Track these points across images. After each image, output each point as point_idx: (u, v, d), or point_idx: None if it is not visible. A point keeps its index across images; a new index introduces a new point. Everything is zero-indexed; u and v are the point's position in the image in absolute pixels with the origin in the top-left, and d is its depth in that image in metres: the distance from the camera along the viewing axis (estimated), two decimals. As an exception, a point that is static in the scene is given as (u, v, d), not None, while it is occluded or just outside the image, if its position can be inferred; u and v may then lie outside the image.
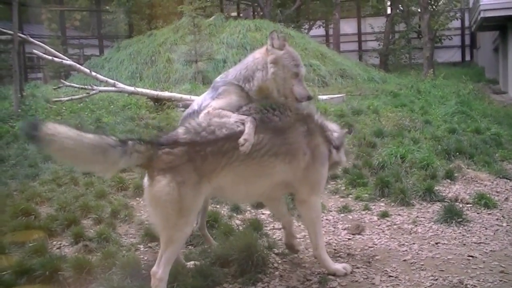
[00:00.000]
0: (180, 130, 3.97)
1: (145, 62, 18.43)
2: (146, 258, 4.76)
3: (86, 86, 12.41)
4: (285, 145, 4.05)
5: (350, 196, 6.54)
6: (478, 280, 4.16)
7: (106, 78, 13.09)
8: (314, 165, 4.18)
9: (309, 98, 4.32)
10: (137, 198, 6.63)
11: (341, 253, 4.79)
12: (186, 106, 11.93)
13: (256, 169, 3.99)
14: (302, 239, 5.16)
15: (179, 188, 3.72)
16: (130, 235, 5.41)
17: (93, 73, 12.93)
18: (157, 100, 12.25)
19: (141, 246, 5.09)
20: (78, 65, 13.57)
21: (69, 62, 13.08)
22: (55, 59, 12.81)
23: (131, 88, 12.66)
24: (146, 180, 3.90)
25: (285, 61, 4.18)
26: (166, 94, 12.60)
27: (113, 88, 12.58)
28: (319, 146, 4.25)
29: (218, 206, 6.10)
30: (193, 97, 12.30)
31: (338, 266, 4.36)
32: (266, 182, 4.13)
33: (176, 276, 4.08)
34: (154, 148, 3.80)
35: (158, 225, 3.89)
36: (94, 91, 12.20)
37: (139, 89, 12.66)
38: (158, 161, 3.77)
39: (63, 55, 13.76)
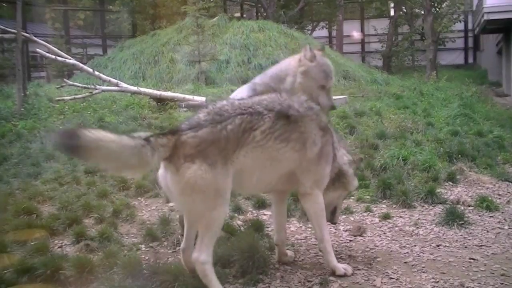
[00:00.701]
0: (201, 114, 3.97)
1: (148, 62, 18.46)
2: (147, 258, 4.76)
3: (89, 86, 12.48)
4: (296, 133, 4.08)
5: (352, 197, 6.53)
6: (479, 283, 4.16)
7: (109, 78, 13.14)
8: (320, 160, 4.22)
9: (332, 108, 4.60)
10: (139, 198, 6.64)
11: (342, 255, 4.79)
12: (189, 107, 12.07)
13: (269, 153, 3.99)
14: (303, 240, 5.16)
15: (211, 169, 3.72)
16: (132, 235, 5.41)
17: (96, 73, 12.98)
18: (160, 100, 12.29)
19: (143, 246, 5.08)
20: (81, 65, 13.61)
21: (72, 61, 13.13)
22: (59, 58, 12.86)
23: (134, 88, 12.71)
24: (163, 172, 3.88)
25: (313, 73, 4.47)
26: (169, 94, 12.65)
27: (116, 88, 12.62)
28: (329, 144, 4.29)
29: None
30: (196, 98, 12.39)
31: (339, 265, 4.36)
32: (277, 168, 4.12)
33: (178, 276, 4.08)
34: (177, 135, 3.78)
35: (195, 211, 3.88)
36: (97, 91, 12.24)
37: (142, 89, 12.70)
38: (184, 147, 3.74)
39: (67, 54, 13.80)
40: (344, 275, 4.30)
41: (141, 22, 27.69)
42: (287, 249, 4.82)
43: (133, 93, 12.74)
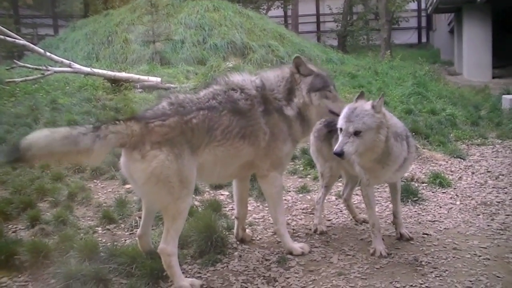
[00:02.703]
0: (164, 103, 4.01)
1: (102, 42, 18.10)
2: (104, 240, 4.72)
3: (40, 67, 12.13)
4: (249, 127, 4.13)
5: (309, 176, 6.59)
6: (433, 257, 4.26)
7: (61, 59, 12.83)
8: (274, 143, 4.25)
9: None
10: (95, 180, 6.56)
11: (299, 233, 4.84)
12: (144, 87, 11.93)
13: (229, 150, 4.06)
14: (261, 220, 5.20)
15: (177, 160, 3.75)
16: (88, 218, 5.36)
17: (48, 54, 12.66)
18: (114, 81, 12.11)
19: (99, 229, 5.04)
20: (32, 45, 13.23)
21: (22, 42, 12.75)
22: (8, 38, 12.47)
23: (87, 69, 12.47)
24: (125, 160, 3.86)
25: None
26: (123, 75, 12.48)
27: (68, 69, 12.36)
28: (278, 124, 4.27)
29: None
30: (151, 78, 12.25)
31: (296, 245, 4.42)
32: (237, 161, 4.20)
33: (135, 258, 4.06)
34: (142, 122, 3.78)
35: (160, 201, 3.86)
36: (49, 72, 11.95)
37: (96, 70, 12.48)
38: (151, 135, 3.75)
39: (16, 34, 13.39)
40: (302, 254, 4.36)
41: (94, 1, 27.13)
42: (245, 228, 4.85)
43: (87, 74, 12.50)
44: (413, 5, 28.83)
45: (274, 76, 4.43)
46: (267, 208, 5.42)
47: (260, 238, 4.74)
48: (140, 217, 5.03)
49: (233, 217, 4.98)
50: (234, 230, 4.75)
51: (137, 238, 4.28)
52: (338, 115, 4.16)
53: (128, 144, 3.76)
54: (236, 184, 4.70)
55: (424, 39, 32.43)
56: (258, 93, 4.26)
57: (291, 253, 4.38)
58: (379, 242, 4.40)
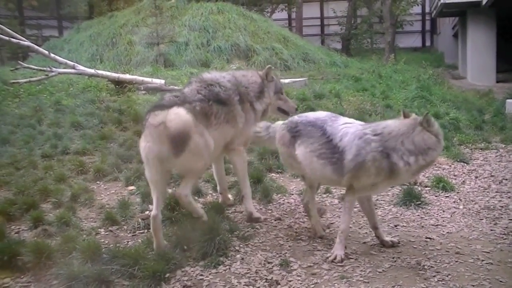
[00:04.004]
0: (168, 95, 4.92)
1: (106, 44, 18.15)
2: (106, 242, 4.72)
3: (44, 68, 12.16)
4: (231, 113, 5.04)
5: (312, 179, 6.58)
6: (435, 261, 4.25)
7: (65, 60, 12.85)
8: (247, 125, 5.20)
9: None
10: (98, 182, 6.57)
11: (302, 236, 4.83)
12: (148, 89, 11.94)
13: (219, 132, 4.92)
14: (264, 222, 5.18)
15: (202, 136, 4.65)
16: (91, 219, 5.36)
17: (52, 55, 12.68)
18: (118, 82, 12.11)
19: (102, 230, 5.04)
20: (36, 47, 13.24)
21: (27, 43, 12.77)
22: (12, 39, 12.49)
23: (91, 71, 12.48)
24: (147, 144, 4.52)
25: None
26: (127, 76, 12.47)
27: (72, 70, 12.37)
28: (249, 112, 5.22)
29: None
30: (154, 80, 12.25)
31: (256, 212, 5.28)
32: (223, 142, 5.11)
33: (137, 260, 4.06)
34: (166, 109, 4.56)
35: (191, 167, 4.71)
36: (53, 73, 11.97)
37: (100, 72, 12.48)
38: None
39: (21, 35, 13.41)
40: (257, 220, 5.12)
41: (98, 3, 27.19)
42: (247, 230, 4.87)
43: (91, 75, 12.51)
44: (418, 9, 28.84)
45: (246, 76, 5.42)
46: (269, 211, 5.45)
47: (262, 241, 4.73)
48: (143, 219, 5.06)
49: (236, 219, 5.06)
50: (220, 201, 5.66)
51: (151, 219, 4.51)
52: (287, 113, 5.52)
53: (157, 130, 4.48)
54: (215, 167, 5.63)
55: (428, 43, 32.43)
56: (232, 85, 5.17)
57: (250, 215, 5.21)
58: (341, 247, 4.40)
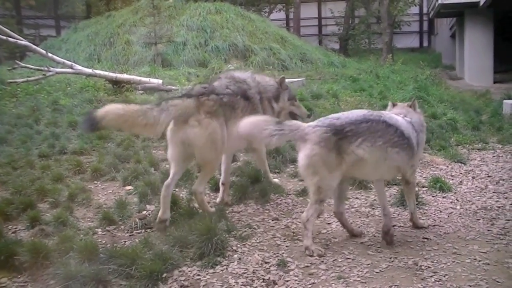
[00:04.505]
0: (197, 86, 5.50)
1: (104, 43, 18.15)
2: (104, 242, 4.71)
3: (42, 68, 12.16)
4: (253, 108, 5.47)
5: (309, 179, 6.58)
6: (432, 262, 4.26)
7: (63, 60, 12.86)
8: None
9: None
10: (95, 182, 6.57)
11: (299, 236, 4.83)
12: (145, 89, 11.94)
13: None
14: (261, 223, 5.19)
15: (221, 127, 5.11)
16: (88, 219, 5.36)
17: (50, 54, 12.68)
18: (116, 82, 12.12)
19: (99, 230, 5.04)
20: (34, 46, 13.26)
21: (24, 42, 12.78)
22: (10, 39, 12.49)
23: (89, 70, 12.49)
24: (174, 127, 5.04)
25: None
26: (124, 76, 12.48)
27: (70, 70, 12.38)
28: (267, 109, 5.69)
29: (177, 190, 6.08)
30: (152, 80, 12.25)
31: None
32: None
33: (135, 260, 4.06)
34: (193, 98, 5.06)
35: (206, 156, 5.09)
36: (50, 73, 11.97)
37: (97, 71, 12.49)
38: (203, 107, 5.03)
39: (18, 35, 13.40)
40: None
41: (96, 3, 27.16)
42: (244, 230, 4.87)
43: (88, 75, 12.51)
44: (415, 9, 28.91)
45: (265, 79, 6.01)
46: (266, 211, 5.46)
47: (260, 241, 4.73)
48: (140, 219, 5.06)
49: (233, 219, 5.12)
50: (219, 196, 5.83)
51: (164, 188, 5.04)
52: (297, 118, 5.90)
53: (184, 114, 4.96)
54: (225, 158, 5.82)
55: (425, 43, 32.50)
56: (255, 85, 5.70)
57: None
58: (417, 219, 5.01)
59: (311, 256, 4.38)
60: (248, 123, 4.55)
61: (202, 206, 5.26)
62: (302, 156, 4.42)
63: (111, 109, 4.70)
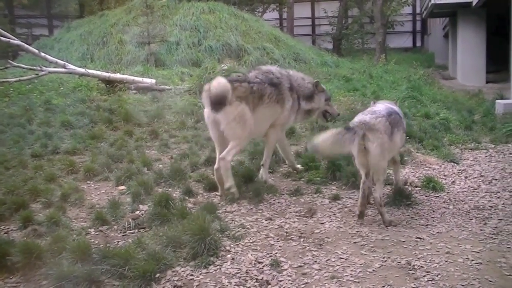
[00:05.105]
0: (233, 75, 6.13)
1: (97, 43, 18.08)
2: (96, 242, 4.70)
3: (34, 67, 12.08)
4: (280, 96, 6.21)
5: (302, 179, 6.60)
6: (425, 261, 4.27)
7: (55, 59, 12.79)
8: (290, 110, 6.37)
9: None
10: (88, 182, 6.56)
11: (293, 236, 4.84)
12: (138, 89, 11.92)
13: (270, 109, 6.15)
14: (254, 222, 5.19)
15: (248, 110, 5.83)
16: (81, 219, 5.34)
17: (42, 54, 12.62)
18: (109, 82, 12.09)
19: (92, 230, 5.02)
20: (26, 45, 13.17)
21: (16, 42, 12.71)
22: (2, 38, 12.42)
23: (82, 70, 12.44)
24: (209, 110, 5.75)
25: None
26: (118, 76, 12.45)
27: (63, 70, 12.32)
28: (295, 101, 6.39)
29: (170, 189, 6.07)
30: (145, 79, 12.23)
31: (269, 181, 6.36)
32: (271, 119, 6.26)
33: (128, 260, 4.05)
34: (230, 82, 5.74)
35: (234, 134, 5.79)
36: (43, 72, 11.91)
37: (90, 71, 12.44)
38: (235, 91, 5.75)
39: (11, 34, 13.34)
40: (267, 183, 6.11)
41: (89, 2, 27.08)
42: (238, 230, 4.87)
43: (81, 75, 12.46)
44: (408, 9, 28.95)
45: (304, 78, 6.68)
46: (260, 211, 5.46)
47: (253, 241, 4.73)
48: (133, 219, 5.05)
49: (227, 219, 5.16)
50: (260, 174, 6.42)
51: (215, 171, 5.91)
52: (327, 116, 6.96)
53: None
54: (280, 145, 6.73)
55: (418, 43, 32.56)
56: (282, 76, 6.38)
57: (265, 182, 6.32)
58: None
59: (394, 225, 5.09)
60: (327, 143, 5.04)
61: (225, 174, 5.80)
62: (376, 144, 4.97)
63: None
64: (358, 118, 5.15)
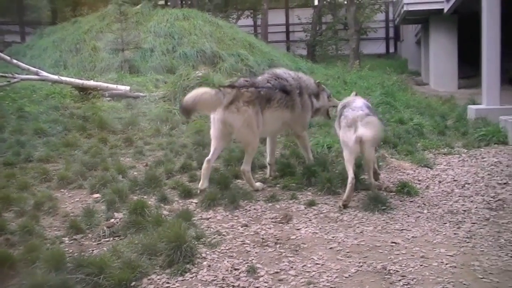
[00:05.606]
0: (241, 79, 6.65)
1: (70, 50, 17.93)
2: (71, 251, 4.65)
3: (6, 74, 11.95)
4: (291, 101, 6.58)
5: (278, 185, 6.60)
6: (401, 265, 4.30)
7: (28, 66, 12.66)
8: (303, 113, 6.79)
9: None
10: (62, 190, 6.49)
11: (269, 242, 4.83)
12: (113, 96, 11.84)
13: (279, 113, 6.52)
14: (230, 229, 5.17)
15: (256, 115, 6.22)
16: (55, 228, 5.28)
17: (14, 61, 12.50)
18: (82, 89, 12.01)
19: (66, 239, 4.97)
20: (-3, 52, 13.02)
21: (-12, 49, 12.55)
22: (-27, 45, 12.26)
23: (55, 77, 12.33)
24: (222, 111, 6.08)
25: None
26: (91, 83, 12.37)
27: (35, 77, 12.20)
28: (306, 103, 6.81)
29: (145, 197, 6.04)
30: (119, 86, 12.15)
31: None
32: (281, 121, 6.64)
33: (103, 268, 4.01)
34: (235, 89, 6.17)
35: (245, 139, 6.35)
36: (15, 80, 11.78)
37: (64, 78, 12.35)
38: (242, 97, 6.14)
39: (-18, 41, 13.17)
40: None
41: (62, 8, 26.84)
42: (214, 237, 4.85)
43: (54, 82, 12.36)
44: (381, 16, 29.22)
45: (310, 79, 7.11)
46: (236, 218, 5.46)
47: (229, 248, 4.72)
48: (108, 227, 5.01)
49: (202, 226, 5.14)
50: (267, 172, 7.00)
51: (205, 162, 6.24)
52: (336, 107, 7.03)
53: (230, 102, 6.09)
54: (269, 140, 6.98)
55: (392, 50, 32.82)
56: (294, 81, 6.73)
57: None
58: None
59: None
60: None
61: (249, 182, 6.38)
62: (370, 132, 5.62)
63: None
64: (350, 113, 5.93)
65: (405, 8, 18.20)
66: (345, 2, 25.60)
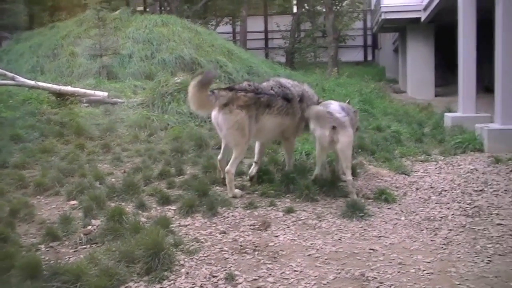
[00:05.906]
0: (244, 83, 6.73)
1: (47, 55, 17.74)
2: (47, 258, 4.59)
3: (-18, 80, 11.81)
4: (290, 108, 6.72)
5: (256, 192, 6.60)
6: (378, 272, 4.32)
7: (4, 71, 12.50)
8: (300, 121, 6.87)
9: None
10: (38, 196, 6.42)
11: (247, 249, 4.83)
12: (90, 102, 11.76)
13: (278, 120, 6.65)
14: (209, 236, 5.16)
15: (249, 119, 6.32)
16: (31, 235, 5.22)
17: (-10, 66, 12.33)
18: (60, 95, 11.90)
19: (42, 246, 4.91)
20: (-27, 57, 12.87)
21: (-37, 53, 12.40)
22: (-52, 50, 12.11)
23: (32, 82, 12.20)
24: (217, 113, 6.34)
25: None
26: (69, 89, 12.26)
27: (12, 82, 12.06)
28: (305, 109, 6.77)
29: (123, 204, 5.99)
30: (97, 92, 12.07)
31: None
32: (279, 128, 6.77)
33: (80, 276, 3.97)
34: (233, 92, 6.32)
35: (234, 141, 6.39)
36: (-9, 85, 11.64)
37: (40, 84, 12.22)
38: (238, 100, 6.28)
39: (-43, 46, 13.01)
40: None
41: (39, 13, 26.62)
42: (192, 244, 4.83)
43: (31, 87, 12.23)
44: (359, 24, 29.46)
45: (311, 90, 7.38)
46: (214, 224, 5.44)
47: (207, 255, 4.70)
48: (85, 234, 4.97)
49: (181, 233, 5.12)
50: (251, 171, 6.97)
51: (217, 161, 6.73)
52: None
53: (224, 104, 6.26)
54: (259, 144, 7.06)
55: (370, 57, 33.05)
56: (295, 91, 6.88)
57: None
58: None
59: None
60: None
61: (230, 185, 6.38)
62: (346, 136, 6.15)
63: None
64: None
65: (383, 17, 18.40)
66: (324, 10, 25.73)
